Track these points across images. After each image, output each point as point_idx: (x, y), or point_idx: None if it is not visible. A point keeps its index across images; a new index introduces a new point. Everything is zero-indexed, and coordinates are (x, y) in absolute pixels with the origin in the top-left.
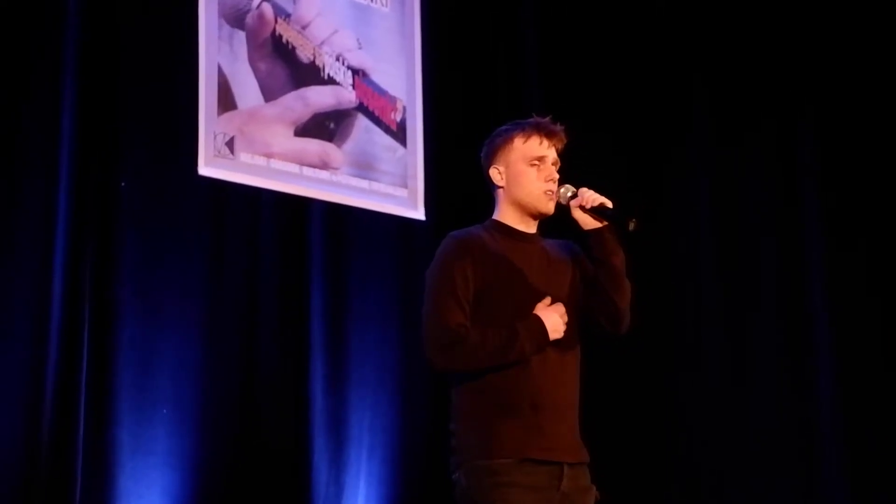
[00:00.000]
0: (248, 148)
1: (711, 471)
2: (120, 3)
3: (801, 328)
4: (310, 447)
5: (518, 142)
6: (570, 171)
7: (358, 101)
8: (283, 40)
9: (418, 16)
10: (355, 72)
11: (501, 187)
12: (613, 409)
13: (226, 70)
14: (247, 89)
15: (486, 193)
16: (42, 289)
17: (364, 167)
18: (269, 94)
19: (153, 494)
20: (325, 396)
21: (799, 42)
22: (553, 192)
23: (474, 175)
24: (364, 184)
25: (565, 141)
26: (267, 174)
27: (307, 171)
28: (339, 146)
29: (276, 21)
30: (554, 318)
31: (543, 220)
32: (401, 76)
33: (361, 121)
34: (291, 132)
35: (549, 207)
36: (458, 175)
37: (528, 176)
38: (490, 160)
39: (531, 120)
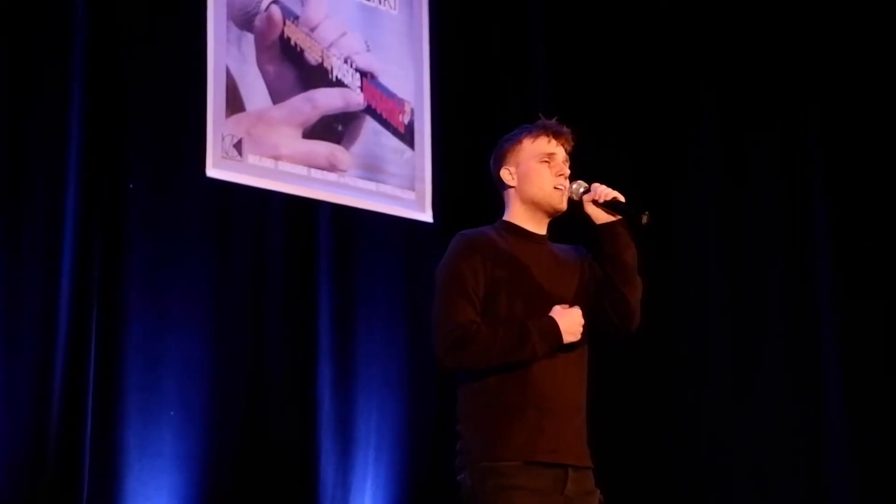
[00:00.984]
0: (257, 150)
1: (716, 476)
2: (127, 5)
3: (807, 333)
4: (317, 449)
5: (527, 142)
6: (579, 174)
7: (366, 104)
8: (292, 42)
9: (426, 18)
10: (363, 74)
11: (513, 187)
12: (619, 413)
13: (234, 72)
14: (255, 91)
15: (495, 196)
16: (50, 290)
17: (372, 169)
18: (278, 96)
19: (161, 496)
20: (332, 398)
21: (804, 43)
22: (564, 187)
23: (482, 177)
24: (372, 186)
25: (573, 142)
26: (275, 176)
27: (315, 173)
28: (347, 148)
29: (284, 23)
30: (569, 321)
31: (554, 222)
32: (409, 78)
33: (369, 123)
34: (299, 134)
35: (562, 203)
36: (465, 177)
37: (539, 172)
38: (500, 163)
39: (539, 122)
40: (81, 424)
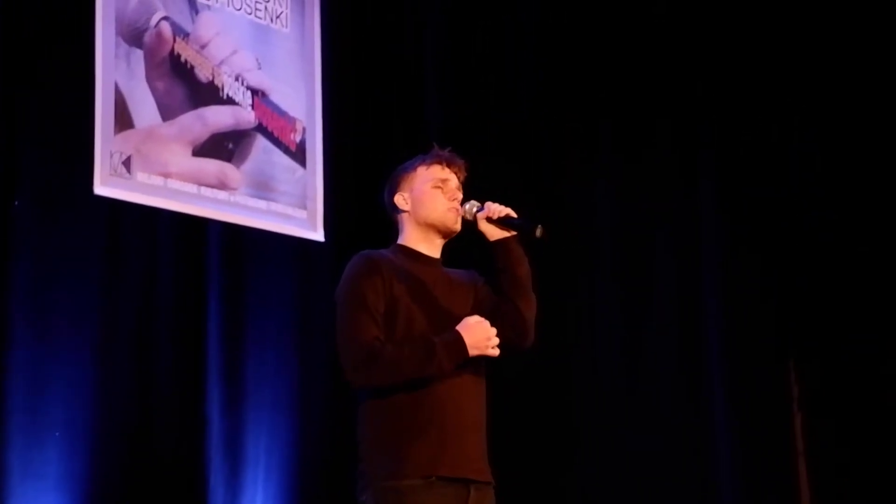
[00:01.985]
0: (146, 167)
1: (610, 487)
2: (13, 20)
3: (695, 335)
4: (206, 469)
5: (421, 169)
6: (472, 194)
7: (257, 122)
8: (182, 59)
9: (318, 37)
10: (255, 92)
11: (406, 211)
12: (515, 429)
13: (123, 88)
14: (144, 108)
15: (388, 224)
16: None
17: (263, 188)
18: (167, 113)
19: None
20: (221, 418)
21: (695, 28)
22: (458, 209)
23: (373, 196)
24: (262, 204)
25: (466, 172)
26: (164, 194)
27: (205, 191)
28: (237, 166)
29: (174, 40)
30: (475, 335)
31: (448, 248)
32: (301, 97)
33: (260, 141)
34: (189, 152)
35: (456, 223)
36: (357, 197)
37: (432, 195)
38: (395, 189)
39: (433, 151)
40: None
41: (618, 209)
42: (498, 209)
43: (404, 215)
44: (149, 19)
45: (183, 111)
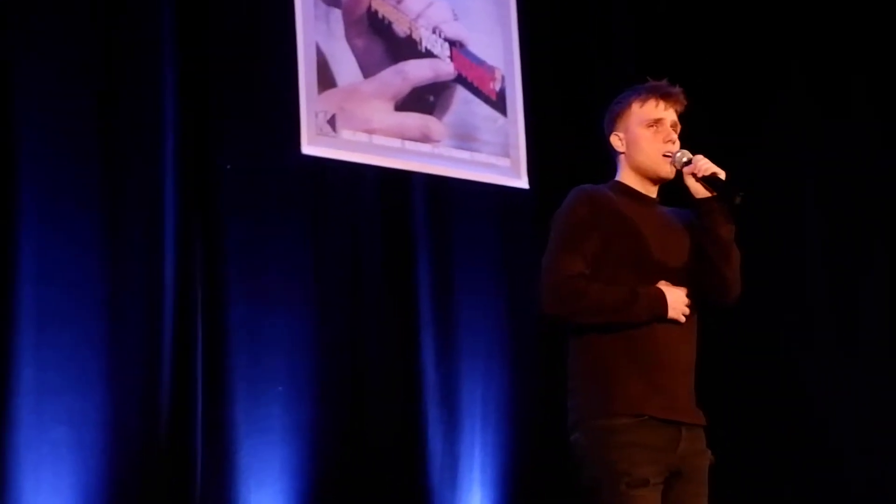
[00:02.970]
0: (350, 125)
1: (827, 434)
2: None
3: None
4: (423, 419)
5: (635, 106)
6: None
7: (456, 73)
8: (379, 15)
9: None
10: (452, 43)
11: (623, 153)
12: (726, 373)
13: (324, 48)
14: (345, 66)
15: (593, 157)
16: (153, 273)
17: (465, 138)
18: (368, 70)
19: (272, 470)
20: (435, 368)
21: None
22: (672, 154)
23: (576, 141)
24: (466, 155)
25: (685, 103)
26: (369, 150)
27: (409, 144)
28: (439, 119)
29: None
30: (676, 297)
31: (664, 187)
32: (498, 45)
33: (460, 92)
34: (391, 107)
35: (668, 171)
36: (560, 142)
37: (646, 138)
38: (611, 128)
39: (647, 84)
40: (192, 403)
41: (825, 166)
42: (705, 166)
43: (621, 157)
44: None
45: (383, 67)
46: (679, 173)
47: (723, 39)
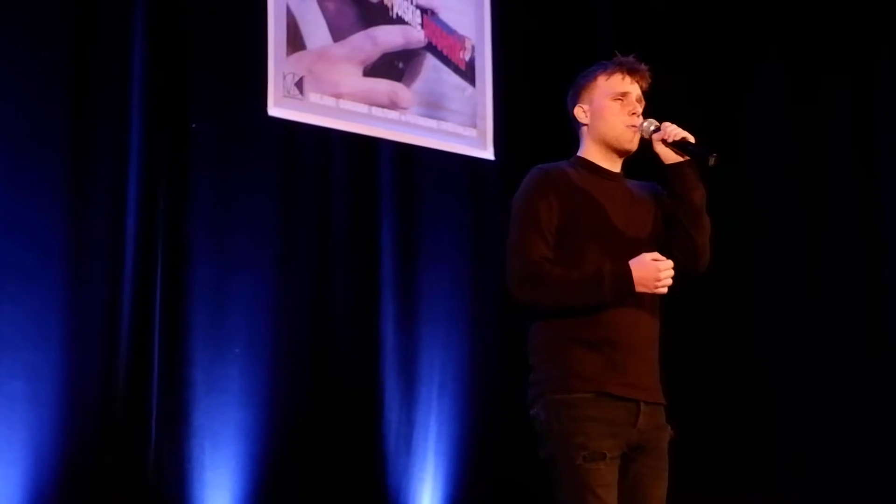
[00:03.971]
0: (317, 88)
1: (789, 413)
2: None
3: (872, 273)
4: (381, 385)
5: (601, 79)
6: (648, 112)
7: (426, 41)
8: None
9: None
10: (424, 11)
11: (586, 125)
12: (691, 350)
13: (294, 10)
14: (315, 29)
15: (560, 131)
16: (116, 229)
17: (433, 107)
18: (338, 33)
19: (228, 430)
20: (396, 334)
21: None
22: (636, 127)
23: (544, 114)
24: (433, 123)
25: (650, 80)
26: (336, 114)
27: (376, 111)
28: (407, 86)
29: None
30: (647, 272)
31: (627, 160)
32: (469, 14)
33: (430, 60)
34: (360, 72)
35: (633, 142)
36: (527, 114)
37: (611, 110)
38: (575, 100)
39: (615, 59)
40: (149, 362)
41: (794, 136)
42: (674, 132)
43: (584, 129)
44: None
45: (353, 31)
46: (642, 147)
47: (702, 17)
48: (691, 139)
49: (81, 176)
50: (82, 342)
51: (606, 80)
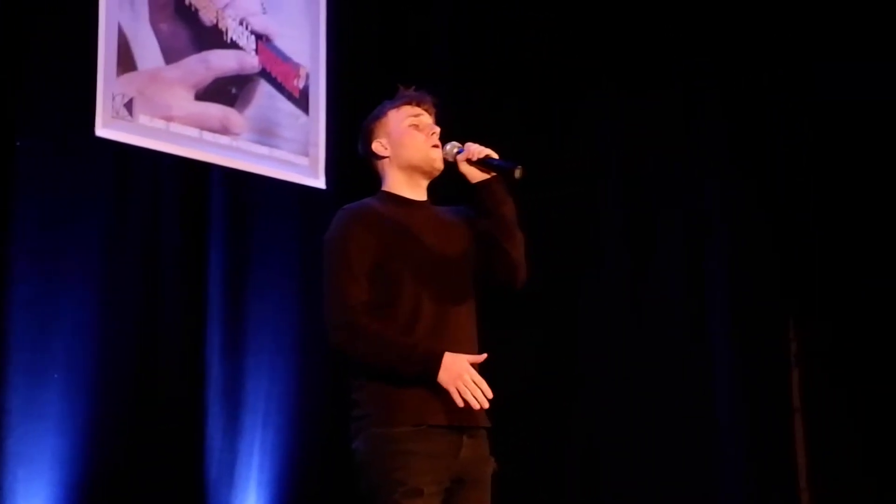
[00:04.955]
0: (148, 110)
1: (610, 444)
2: None
3: (699, 284)
4: (205, 413)
5: (392, 113)
6: (478, 135)
7: (261, 67)
8: (186, 2)
9: None
10: (259, 37)
11: (387, 157)
12: (510, 375)
13: (126, 29)
14: (148, 50)
15: (370, 175)
16: None
17: (265, 133)
18: (171, 56)
19: (44, 459)
20: (221, 363)
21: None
22: (439, 146)
23: None
24: (265, 150)
25: (436, 108)
26: (166, 137)
27: (207, 135)
28: (240, 111)
29: None
30: (452, 373)
31: (433, 186)
32: (305, 42)
33: (264, 86)
34: (192, 96)
35: (438, 162)
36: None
37: (411, 135)
38: (370, 138)
39: (399, 94)
40: None
41: (623, 150)
42: (477, 150)
43: (385, 161)
44: None
45: (187, 54)
46: (447, 168)
47: (536, 35)
48: (494, 155)
49: None
50: None
51: (397, 111)
